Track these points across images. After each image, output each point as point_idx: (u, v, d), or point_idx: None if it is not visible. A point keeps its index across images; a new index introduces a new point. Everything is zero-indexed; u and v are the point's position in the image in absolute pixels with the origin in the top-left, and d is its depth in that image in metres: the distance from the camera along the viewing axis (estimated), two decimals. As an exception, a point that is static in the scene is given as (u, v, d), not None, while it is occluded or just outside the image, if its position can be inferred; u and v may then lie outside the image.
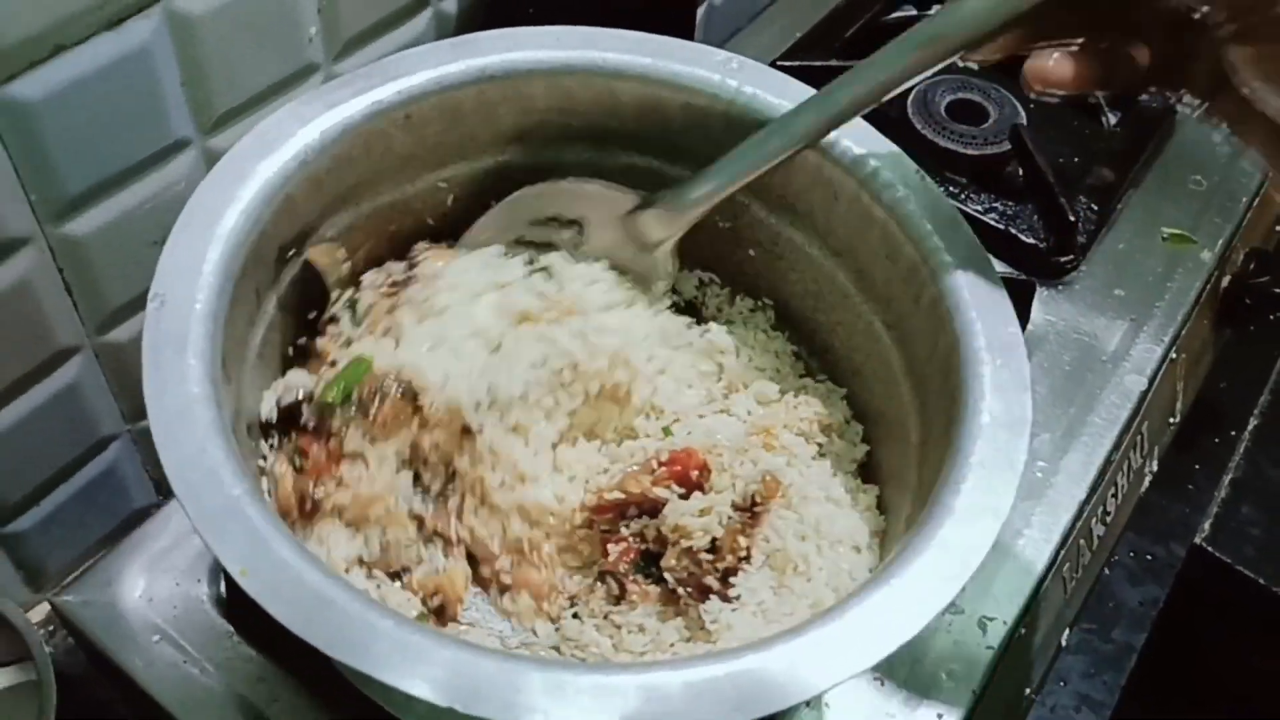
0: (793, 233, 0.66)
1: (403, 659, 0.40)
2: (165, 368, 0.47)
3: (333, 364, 0.59)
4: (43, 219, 0.58)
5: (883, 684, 0.63)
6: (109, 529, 0.75)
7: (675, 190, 0.62)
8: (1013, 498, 0.48)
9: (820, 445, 0.62)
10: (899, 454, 0.59)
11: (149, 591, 0.62)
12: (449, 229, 0.67)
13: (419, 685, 0.40)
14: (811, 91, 0.60)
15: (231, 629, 0.61)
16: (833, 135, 0.60)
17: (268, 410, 0.57)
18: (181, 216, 0.52)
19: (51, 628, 0.70)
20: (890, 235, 0.59)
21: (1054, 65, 0.51)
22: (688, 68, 0.62)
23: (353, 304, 0.61)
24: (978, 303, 0.54)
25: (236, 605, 0.61)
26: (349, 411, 0.57)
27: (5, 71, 0.52)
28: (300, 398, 0.57)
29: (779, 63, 0.92)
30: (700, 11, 1.01)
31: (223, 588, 0.62)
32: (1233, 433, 0.93)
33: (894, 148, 0.61)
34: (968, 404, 0.50)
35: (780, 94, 0.62)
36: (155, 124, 0.61)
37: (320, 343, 0.60)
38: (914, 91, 0.94)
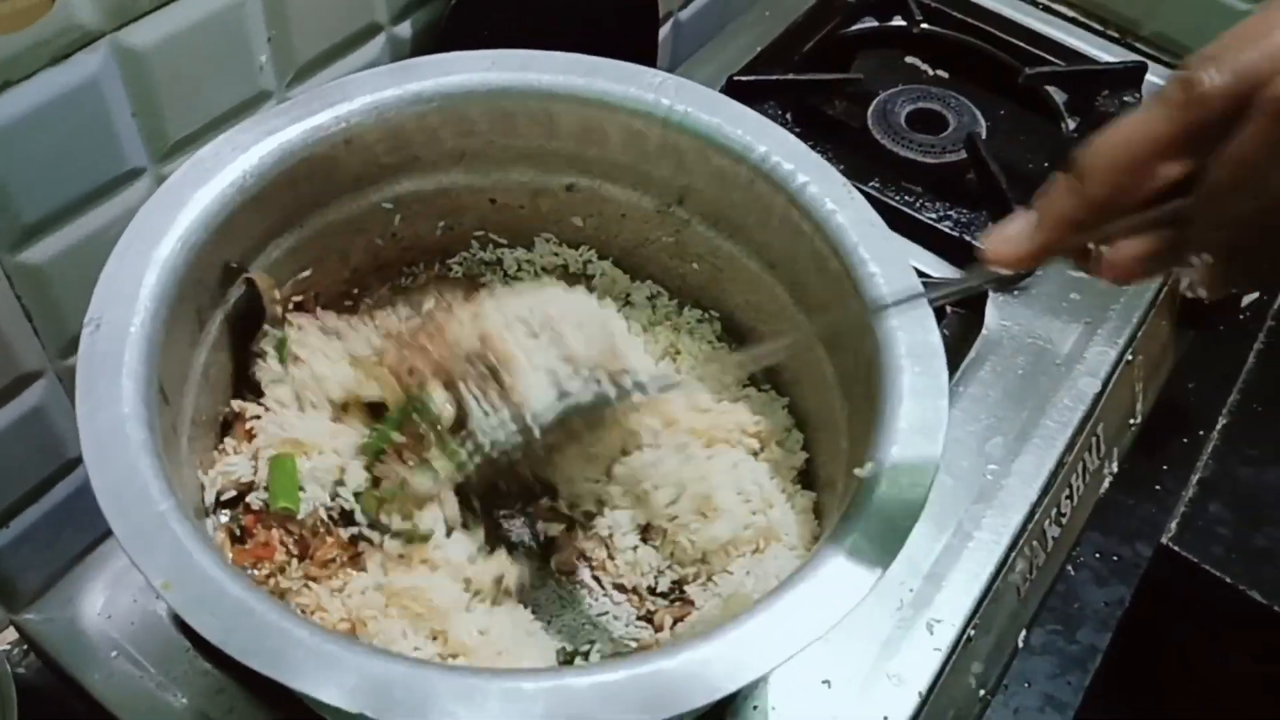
0: (731, 247, 0.67)
1: (317, 667, 0.42)
2: (99, 390, 0.48)
3: (250, 433, 0.60)
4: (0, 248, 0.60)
5: (830, 686, 0.64)
6: (81, 546, 0.76)
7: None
8: (924, 501, 0.49)
9: (756, 452, 0.63)
10: (832, 460, 0.60)
11: (108, 608, 0.63)
12: (397, 250, 0.69)
13: (332, 692, 0.41)
14: (743, 109, 0.63)
15: (189, 644, 0.62)
16: (763, 151, 0.62)
17: (209, 499, 0.59)
18: (119, 243, 0.53)
19: (25, 647, 0.71)
20: (818, 248, 0.60)
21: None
22: (621, 87, 0.64)
23: (281, 343, 0.62)
24: (899, 312, 0.55)
25: (194, 620, 0.63)
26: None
27: (-46, 107, 0.54)
28: (236, 490, 0.60)
29: (736, 77, 0.94)
30: (664, 30, 1.03)
31: (181, 603, 0.63)
32: (1200, 433, 0.94)
33: (823, 163, 0.62)
34: (886, 411, 0.52)
35: (713, 111, 0.63)
36: (108, 154, 0.63)
37: (256, 372, 0.62)
38: (874, 102, 0.95)
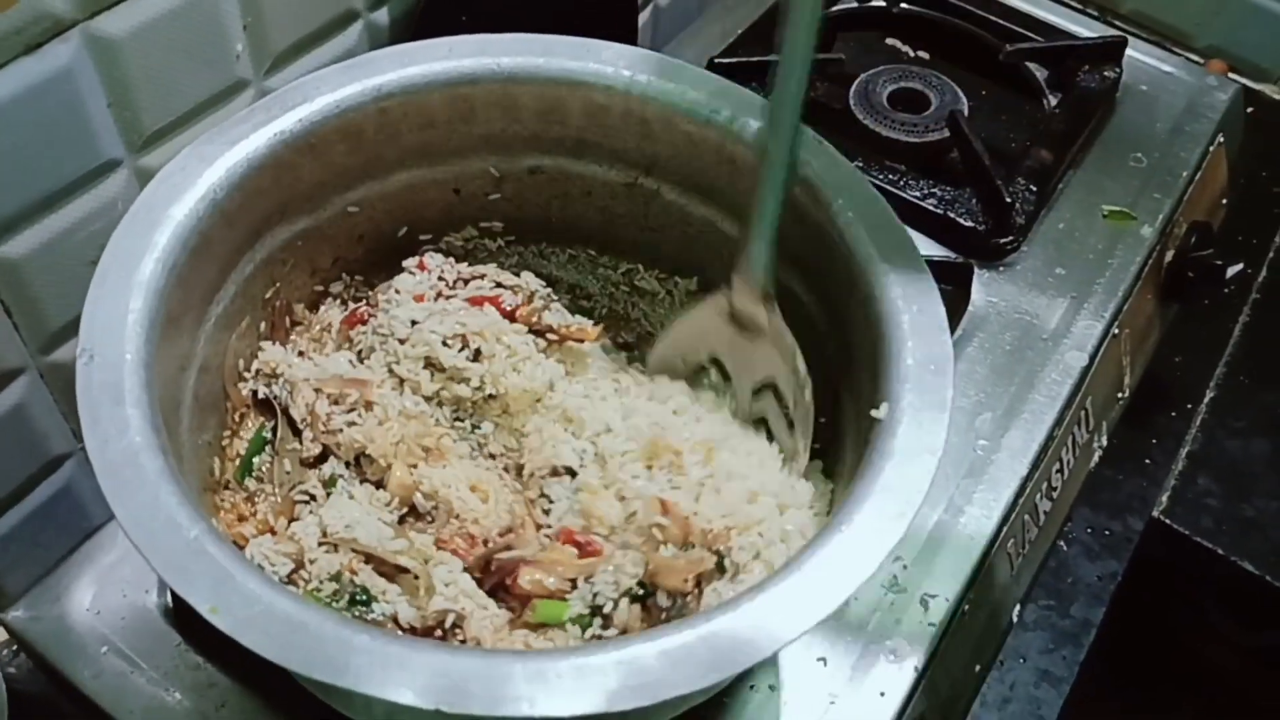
0: (705, 210, 0.67)
1: (384, 669, 0.41)
2: (104, 421, 0.47)
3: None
4: (-26, 243, 0.59)
5: (826, 664, 0.64)
6: (67, 547, 0.76)
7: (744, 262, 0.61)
8: (944, 435, 0.50)
9: None
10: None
11: (97, 604, 0.63)
12: (364, 257, 0.69)
13: (404, 694, 0.41)
14: (703, 73, 0.63)
15: (180, 638, 0.62)
16: (729, 113, 0.63)
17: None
18: (99, 269, 0.53)
19: (15, 647, 0.71)
20: (797, 201, 0.59)
21: None
22: (580, 64, 0.64)
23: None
24: (882, 251, 0.55)
25: (184, 614, 0.62)
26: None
27: (-75, 100, 0.53)
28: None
29: (718, 60, 0.94)
30: (645, 15, 1.02)
31: (169, 598, 0.63)
32: (1188, 405, 0.94)
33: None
34: (891, 349, 0.52)
35: (675, 78, 0.63)
36: (83, 145, 0.62)
37: None
38: (856, 82, 0.95)
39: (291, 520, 0.59)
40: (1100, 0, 1.18)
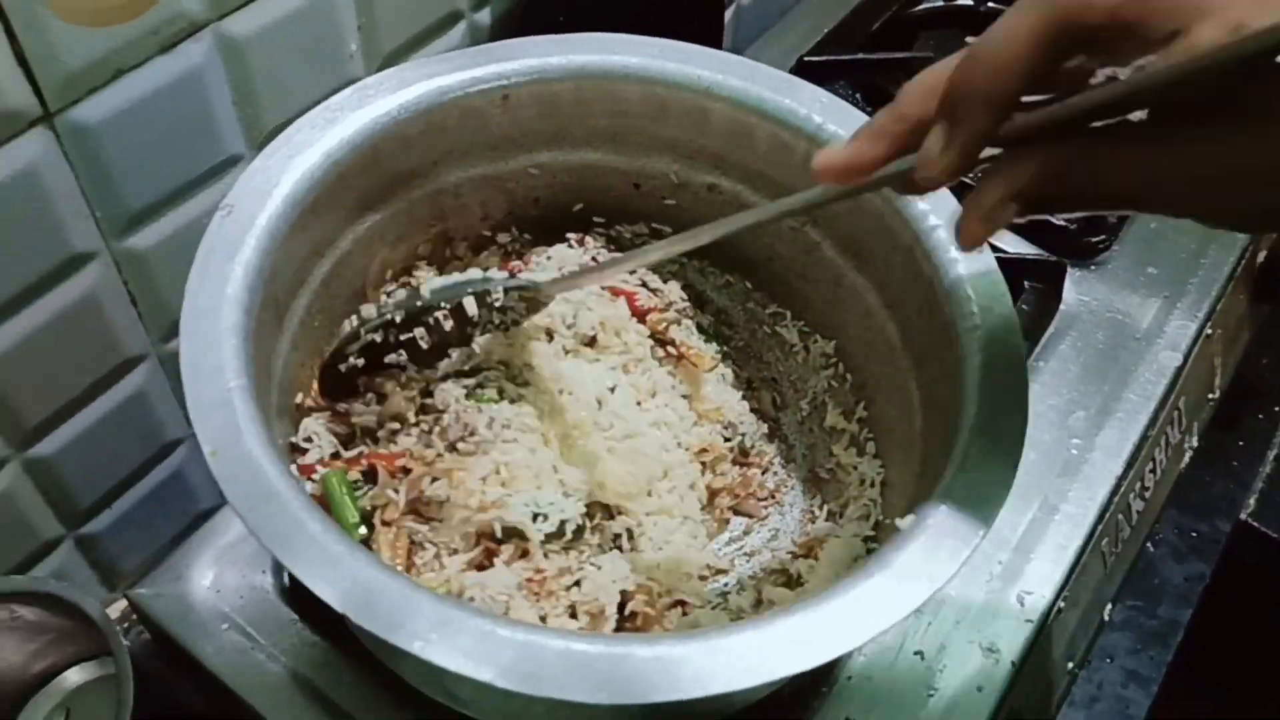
0: (855, 277, 0.66)
1: (320, 563, 0.44)
2: (210, 268, 0.52)
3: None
4: (107, 234, 0.62)
5: (923, 657, 0.64)
6: (178, 530, 0.79)
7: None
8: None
9: None
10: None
11: (217, 583, 0.65)
12: (537, 219, 0.72)
13: (324, 588, 0.43)
14: None
15: (295, 616, 0.64)
16: None
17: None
18: (271, 145, 0.57)
19: (126, 624, 0.73)
20: (933, 294, 0.59)
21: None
22: (775, 96, 0.64)
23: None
24: (990, 376, 0.54)
25: (299, 594, 0.64)
26: None
27: (70, 96, 0.56)
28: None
29: (806, 58, 0.95)
30: (729, 13, 1.03)
31: (286, 578, 0.65)
32: (1276, 408, 0.93)
33: (959, 207, 0.61)
34: (944, 474, 0.51)
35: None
36: (210, 141, 0.64)
37: None
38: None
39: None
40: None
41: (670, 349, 0.66)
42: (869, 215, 0.63)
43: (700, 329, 0.71)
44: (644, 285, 0.68)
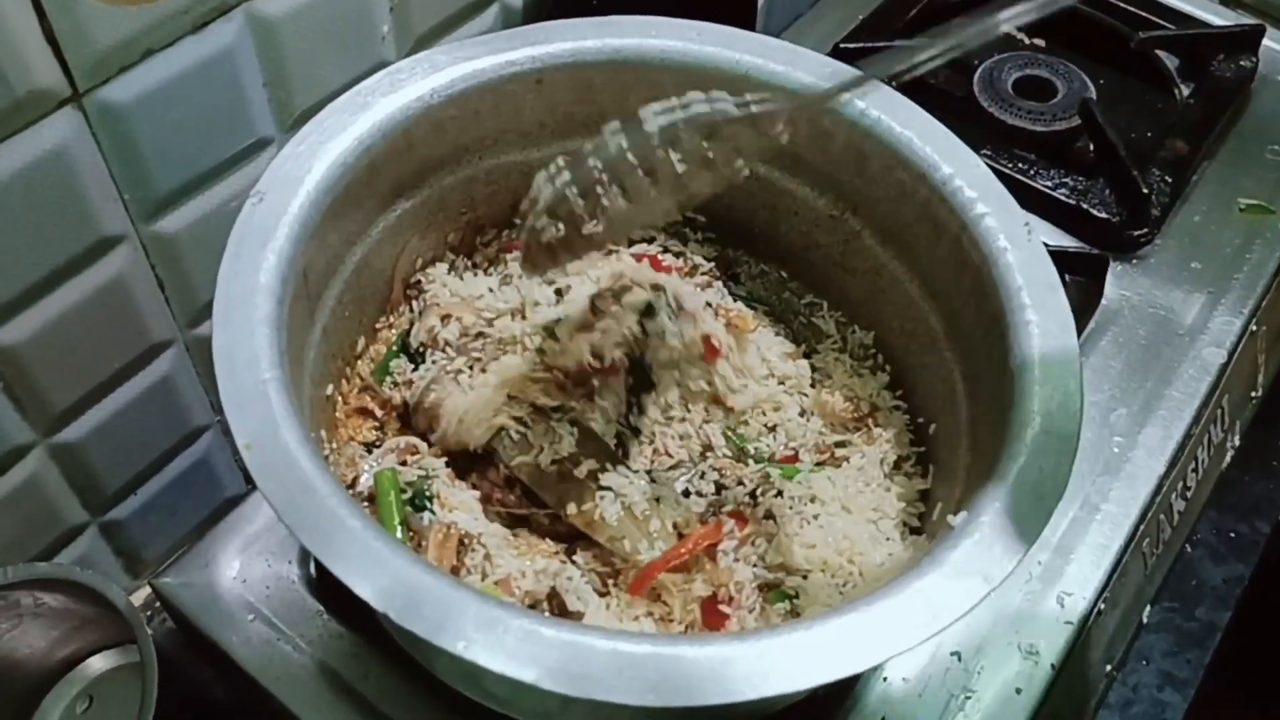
0: (896, 266, 0.65)
1: (359, 559, 0.43)
2: (243, 257, 0.51)
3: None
4: (136, 218, 0.61)
5: (960, 659, 0.63)
6: (201, 517, 0.78)
7: None
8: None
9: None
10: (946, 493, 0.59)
11: (243, 573, 0.64)
12: None
13: (362, 585, 0.42)
14: (936, 125, 0.62)
15: (321, 608, 0.63)
16: (948, 172, 0.60)
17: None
18: (302, 130, 0.56)
19: (149, 612, 0.73)
20: (981, 283, 0.57)
21: None
22: (817, 82, 0.62)
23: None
24: (1045, 367, 0.52)
25: (326, 585, 0.64)
26: None
27: (100, 76, 0.55)
28: None
29: (842, 45, 0.93)
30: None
31: (312, 569, 0.64)
32: (1318, 408, 0.91)
33: (1007, 196, 0.59)
34: (997, 469, 0.50)
35: (906, 123, 0.61)
36: (240, 123, 0.63)
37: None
38: (980, 69, 0.93)
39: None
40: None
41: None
42: (913, 203, 0.61)
43: (733, 294, 0.70)
44: (667, 250, 0.67)
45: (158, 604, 0.68)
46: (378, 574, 0.43)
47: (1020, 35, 1.03)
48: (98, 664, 0.71)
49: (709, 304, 0.65)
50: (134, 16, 0.54)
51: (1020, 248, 0.56)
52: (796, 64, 0.63)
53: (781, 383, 0.68)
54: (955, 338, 0.61)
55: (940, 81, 0.94)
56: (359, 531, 0.44)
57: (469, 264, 0.70)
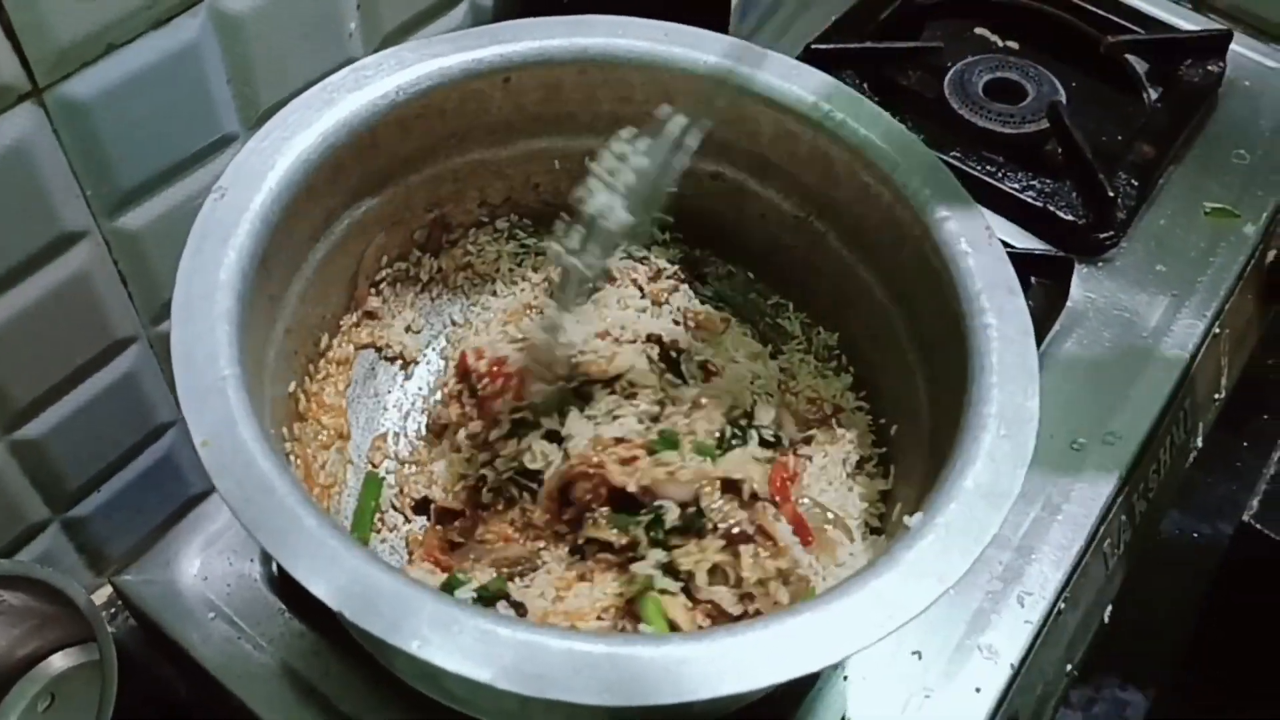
0: (862, 271, 0.65)
1: (315, 557, 0.43)
2: (203, 254, 0.51)
3: None
4: (98, 213, 0.61)
5: (921, 657, 0.64)
6: (166, 514, 0.77)
7: None
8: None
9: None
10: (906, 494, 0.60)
11: (204, 570, 0.64)
12: (537, 206, 0.71)
13: (317, 583, 0.42)
14: (899, 128, 0.62)
15: (283, 606, 0.62)
16: (910, 175, 0.60)
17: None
18: (265, 126, 0.56)
19: (113, 610, 0.72)
20: (941, 286, 0.57)
21: None
22: (783, 83, 0.63)
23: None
24: (1003, 370, 0.53)
25: (287, 583, 0.63)
26: None
27: (60, 71, 0.54)
28: None
29: (814, 46, 0.93)
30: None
31: (274, 567, 0.64)
32: (1281, 409, 0.92)
33: (969, 201, 0.59)
34: (953, 470, 0.50)
35: (870, 125, 0.62)
36: (204, 119, 0.63)
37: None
38: (951, 71, 0.94)
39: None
40: (1197, -8, 1.15)
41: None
42: (877, 206, 0.62)
43: (699, 295, 0.71)
44: (630, 257, 0.67)
45: (120, 601, 0.68)
46: (334, 572, 0.43)
47: (994, 38, 1.04)
48: (59, 662, 0.70)
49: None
50: (95, 11, 0.54)
51: (981, 251, 0.57)
52: (763, 65, 0.63)
53: (752, 383, 0.68)
54: (918, 340, 0.61)
55: (912, 83, 0.95)
56: (315, 530, 0.44)
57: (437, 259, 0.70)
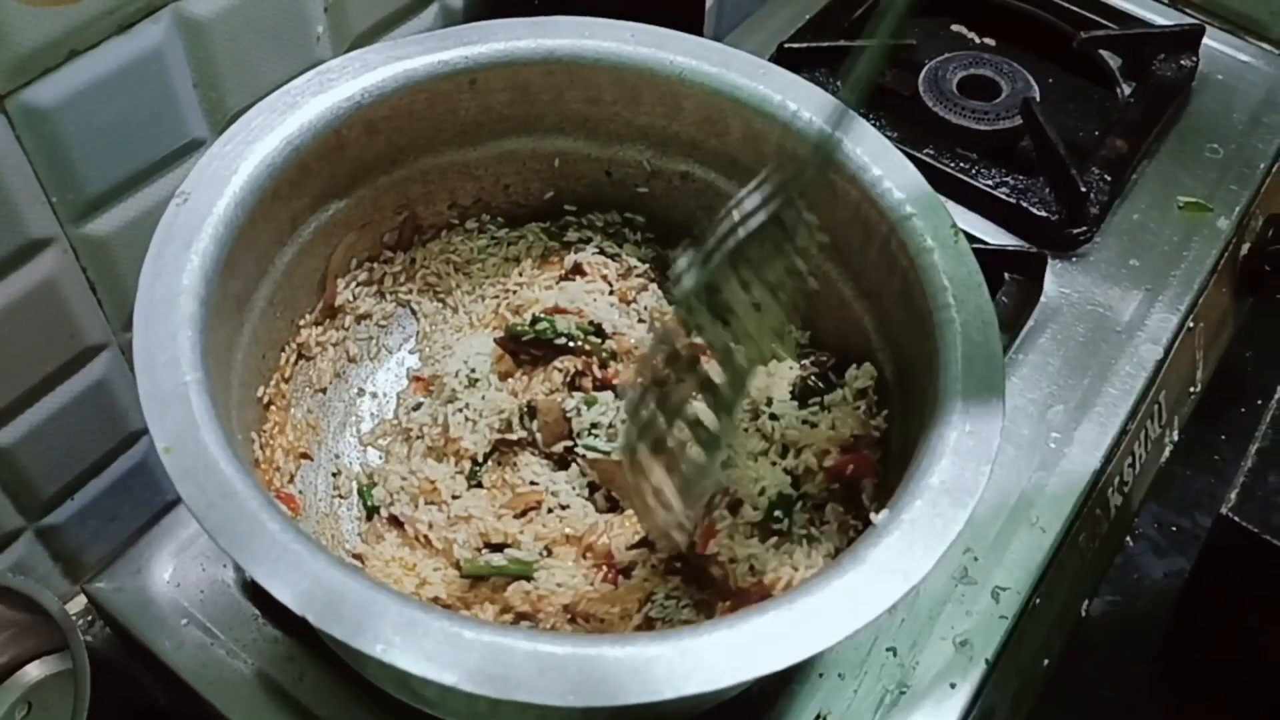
0: (830, 268, 0.65)
1: (279, 561, 0.43)
2: (165, 258, 0.51)
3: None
4: (64, 220, 0.60)
5: (895, 654, 0.64)
6: (142, 521, 0.77)
7: None
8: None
9: None
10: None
11: (177, 577, 0.64)
12: (507, 206, 0.71)
13: (281, 588, 0.43)
14: (867, 129, 0.62)
15: (256, 612, 0.62)
16: (877, 174, 0.60)
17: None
18: (229, 130, 0.56)
19: (90, 617, 0.72)
20: (908, 283, 0.58)
21: None
22: (750, 83, 0.63)
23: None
24: (968, 367, 0.53)
25: (260, 589, 0.63)
26: None
27: (22, 78, 0.54)
28: None
29: (787, 45, 0.93)
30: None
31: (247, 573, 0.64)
32: (1259, 401, 0.92)
33: (936, 199, 0.59)
34: (919, 467, 0.50)
35: (836, 125, 0.61)
36: (170, 124, 0.63)
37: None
38: (926, 69, 0.94)
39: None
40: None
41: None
42: (845, 205, 0.62)
43: (667, 296, 0.70)
44: (602, 253, 0.67)
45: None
46: (297, 577, 0.43)
47: (970, 34, 1.04)
48: (35, 670, 0.70)
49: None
50: (56, 18, 0.54)
51: (946, 247, 0.57)
52: (730, 65, 0.64)
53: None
54: (886, 337, 0.61)
55: (888, 80, 0.95)
56: (279, 534, 0.44)
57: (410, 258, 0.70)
